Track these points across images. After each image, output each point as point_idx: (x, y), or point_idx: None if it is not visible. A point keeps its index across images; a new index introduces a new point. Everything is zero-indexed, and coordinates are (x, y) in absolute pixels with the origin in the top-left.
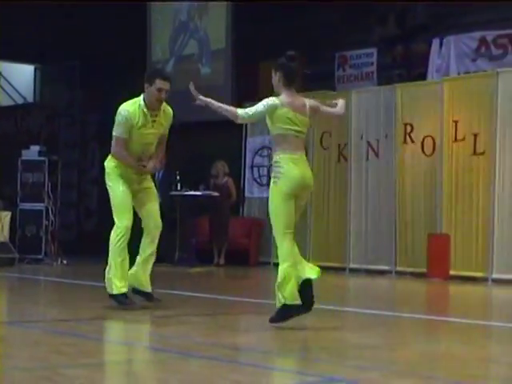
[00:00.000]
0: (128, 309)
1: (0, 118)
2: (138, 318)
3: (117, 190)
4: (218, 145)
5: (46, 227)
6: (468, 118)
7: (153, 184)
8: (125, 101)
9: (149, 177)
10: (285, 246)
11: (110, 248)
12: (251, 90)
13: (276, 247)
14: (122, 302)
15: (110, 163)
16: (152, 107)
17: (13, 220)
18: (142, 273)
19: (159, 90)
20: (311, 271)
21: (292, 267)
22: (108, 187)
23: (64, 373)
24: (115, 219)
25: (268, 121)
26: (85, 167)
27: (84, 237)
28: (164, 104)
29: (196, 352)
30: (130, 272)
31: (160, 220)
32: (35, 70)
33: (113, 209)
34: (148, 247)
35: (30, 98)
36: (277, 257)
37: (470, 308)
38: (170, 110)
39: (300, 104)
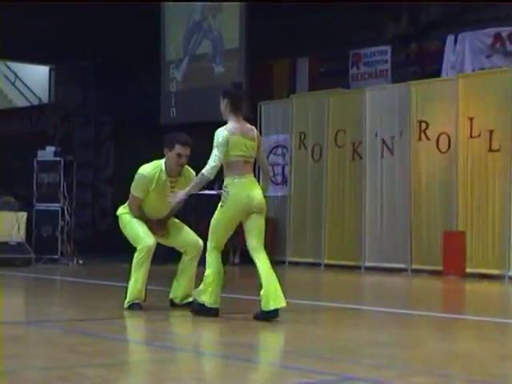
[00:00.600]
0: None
1: (15, 119)
2: (153, 318)
3: (131, 223)
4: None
5: (61, 227)
6: (483, 115)
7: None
8: (138, 99)
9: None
10: (213, 257)
11: (133, 265)
12: (265, 88)
13: (291, 245)
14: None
15: (123, 210)
16: (172, 173)
17: (29, 220)
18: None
19: (179, 155)
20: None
21: (217, 274)
22: (123, 229)
23: (80, 372)
24: (137, 246)
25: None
26: (99, 167)
27: (99, 236)
28: (185, 167)
29: (212, 351)
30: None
31: (201, 242)
32: (50, 70)
33: (131, 242)
34: (188, 269)
35: (45, 99)
36: (292, 255)
37: (487, 305)
38: (191, 172)
39: (248, 129)
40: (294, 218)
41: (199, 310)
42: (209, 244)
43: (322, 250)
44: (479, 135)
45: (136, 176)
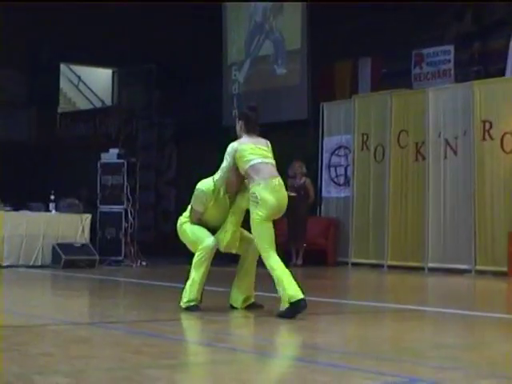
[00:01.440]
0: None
1: (79, 122)
2: (216, 319)
3: (192, 228)
4: (294, 145)
5: (125, 229)
6: None
7: None
8: (200, 102)
9: None
10: (272, 259)
11: (193, 265)
12: (327, 90)
13: (354, 246)
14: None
15: (183, 219)
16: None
17: (93, 222)
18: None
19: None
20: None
21: (282, 270)
22: (182, 236)
23: (145, 373)
24: (198, 243)
25: (237, 165)
26: (162, 169)
27: (162, 238)
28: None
29: (276, 352)
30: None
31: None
32: (113, 73)
33: (192, 246)
34: (247, 272)
35: (108, 102)
36: (355, 256)
37: None
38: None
39: (262, 142)
40: (356, 219)
41: (289, 313)
42: (261, 251)
43: (385, 251)
44: None
45: (195, 191)
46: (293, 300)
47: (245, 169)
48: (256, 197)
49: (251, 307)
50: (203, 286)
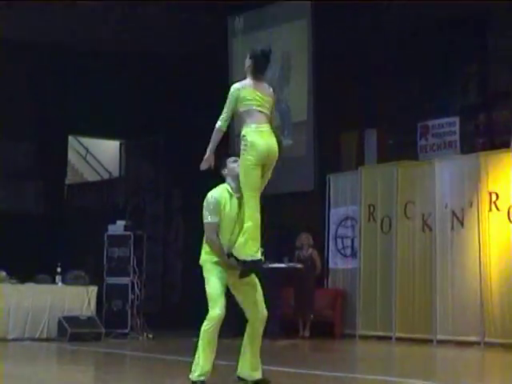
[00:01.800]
0: None
1: (86, 193)
2: None
3: (212, 279)
4: (301, 216)
5: (131, 301)
6: None
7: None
8: (207, 174)
9: None
10: (251, 208)
11: (200, 335)
12: (334, 161)
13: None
14: None
15: (203, 253)
16: (237, 187)
17: (99, 294)
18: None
19: (235, 161)
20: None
21: (255, 227)
22: (205, 278)
23: None
24: (209, 308)
25: (237, 107)
26: (169, 240)
27: (169, 310)
28: None
29: None
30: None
31: (266, 312)
32: (120, 145)
33: (208, 298)
34: (253, 343)
35: (116, 173)
36: (362, 328)
37: None
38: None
39: (264, 87)
40: (363, 291)
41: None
42: (245, 191)
43: (392, 323)
44: None
45: (206, 202)
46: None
47: (240, 111)
48: (246, 139)
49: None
50: (213, 358)
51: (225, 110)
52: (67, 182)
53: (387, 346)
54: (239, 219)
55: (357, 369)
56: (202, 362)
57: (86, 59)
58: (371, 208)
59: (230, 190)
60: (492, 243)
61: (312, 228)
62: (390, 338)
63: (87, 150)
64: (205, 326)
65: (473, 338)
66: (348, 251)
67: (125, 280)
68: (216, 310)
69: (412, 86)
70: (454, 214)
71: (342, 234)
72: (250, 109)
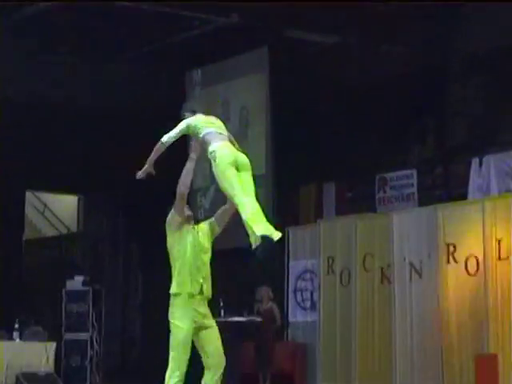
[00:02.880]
0: None
1: (44, 248)
2: None
3: (179, 330)
4: (261, 270)
5: (90, 357)
6: (511, 237)
7: (213, 321)
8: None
9: (209, 313)
10: (240, 196)
11: None
12: (292, 214)
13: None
14: None
15: (173, 290)
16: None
17: (58, 350)
18: None
19: (188, 217)
20: None
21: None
22: (171, 324)
23: None
24: (170, 361)
25: (194, 136)
26: (128, 296)
27: (128, 366)
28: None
29: None
30: None
31: (224, 359)
32: (78, 200)
33: (170, 349)
34: None
35: (74, 228)
36: (323, 381)
37: None
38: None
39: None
40: (324, 343)
41: None
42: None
43: (352, 374)
44: (507, 257)
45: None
46: None
47: (200, 138)
48: (215, 152)
49: None
50: None
51: (175, 130)
52: (25, 237)
53: None
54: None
55: None
56: None
57: (42, 113)
58: (330, 260)
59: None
60: (450, 294)
61: (272, 281)
62: None
63: (45, 205)
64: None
65: None
66: (308, 304)
67: (83, 336)
68: (182, 366)
69: (370, 138)
70: (412, 265)
71: (301, 287)
72: (210, 131)
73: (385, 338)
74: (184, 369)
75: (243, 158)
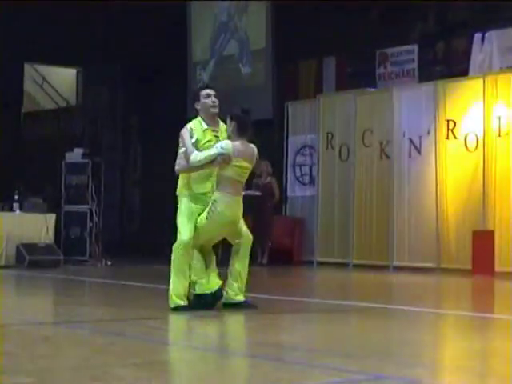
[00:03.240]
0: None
1: (43, 121)
2: (181, 318)
3: (184, 210)
4: (259, 144)
5: (90, 229)
6: (511, 113)
7: None
8: (165, 101)
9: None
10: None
11: (171, 263)
12: (292, 89)
13: (319, 245)
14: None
15: (181, 186)
16: (211, 121)
17: (57, 222)
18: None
19: (207, 95)
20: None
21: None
22: (178, 208)
23: (111, 372)
24: (178, 235)
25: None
26: (127, 169)
27: (127, 238)
28: (222, 124)
29: (239, 351)
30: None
31: (249, 232)
32: (77, 73)
33: (178, 225)
34: (238, 261)
35: (73, 101)
36: (320, 255)
37: None
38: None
39: (249, 153)
40: (321, 218)
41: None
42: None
43: (350, 250)
44: (508, 133)
45: (181, 134)
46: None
47: (222, 172)
48: (216, 205)
49: (244, 307)
50: (187, 283)
51: (205, 155)
52: (24, 110)
53: (345, 272)
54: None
55: (314, 294)
56: (176, 287)
57: None
58: (329, 136)
59: (202, 121)
60: (449, 171)
61: (271, 156)
62: (348, 264)
63: (43, 78)
64: (174, 252)
65: (429, 264)
66: (306, 179)
67: (83, 208)
68: (184, 236)
69: (371, 14)
70: (411, 141)
71: (300, 162)
72: (231, 177)
73: (382, 214)
74: (191, 232)
75: (235, 222)
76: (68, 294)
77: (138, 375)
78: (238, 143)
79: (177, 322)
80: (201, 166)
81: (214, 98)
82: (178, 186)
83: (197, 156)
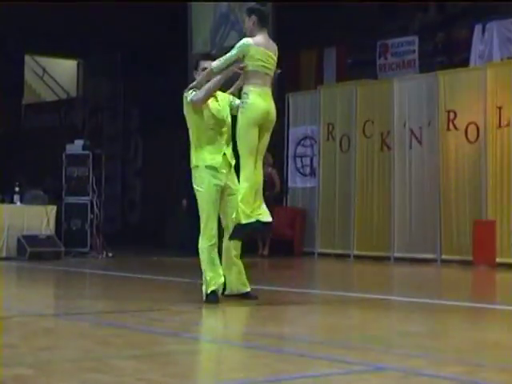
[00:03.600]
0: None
1: (44, 113)
2: (182, 309)
3: (201, 193)
4: None
5: (91, 220)
6: None
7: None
8: (166, 92)
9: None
10: (248, 169)
11: (200, 253)
12: (293, 78)
13: (320, 236)
14: (211, 301)
15: (197, 162)
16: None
17: (58, 214)
18: (232, 276)
19: (204, 69)
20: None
21: (250, 189)
22: (196, 191)
23: (112, 363)
24: (202, 225)
25: (243, 59)
26: (128, 159)
27: (128, 229)
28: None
29: (242, 342)
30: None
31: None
32: (78, 64)
33: (200, 212)
34: (232, 249)
35: (73, 93)
36: (321, 246)
37: None
38: (223, 94)
39: (272, 46)
40: (322, 209)
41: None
42: (241, 158)
43: (351, 241)
44: (508, 124)
45: (184, 101)
46: (244, 221)
47: (248, 69)
48: (248, 97)
49: (245, 297)
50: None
51: (226, 58)
52: (24, 102)
53: (345, 263)
54: (220, 128)
55: (315, 285)
56: (210, 276)
57: None
58: (330, 127)
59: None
60: (449, 161)
61: (271, 147)
62: (349, 255)
63: (44, 70)
64: (201, 245)
65: (430, 256)
66: (307, 170)
67: (84, 199)
68: (208, 230)
69: (372, 4)
70: (412, 132)
71: (301, 153)
72: (258, 70)
73: (383, 205)
74: (214, 225)
75: (272, 116)
76: (69, 285)
77: (139, 367)
78: (260, 37)
79: (177, 313)
80: (219, 80)
81: None
82: (193, 159)
83: (217, 61)
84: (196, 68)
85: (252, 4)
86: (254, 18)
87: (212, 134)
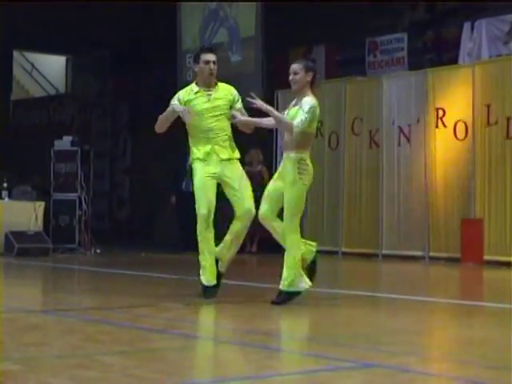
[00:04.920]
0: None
1: (32, 109)
2: (170, 306)
3: (197, 178)
4: (251, 132)
5: (79, 217)
6: (500, 102)
7: (240, 169)
8: (155, 89)
9: (236, 162)
10: (298, 236)
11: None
12: (282, 77)
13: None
14: (208, 295)
15: (194, 152)
16: (206, 85)
17: (46, 210)
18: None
19: (206, 62)
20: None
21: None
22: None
23: (99, 360)
24: (197, 208)
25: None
26: (117, 157)
27: (116, 226)
28: (221, 83)
29: (229, 338)
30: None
31: (253, 204)
32: (67, 60)
33: (195, 198)
34: (239, 232)
35: (62, 89)
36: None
37: (505, 293)
38: (228, 86)
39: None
40: (310, 206)
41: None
42: (292, 222)
43: (339, 238)
44: (496, 122)
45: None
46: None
47: (307, 132)
48: (306, 164)
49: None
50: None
51: (304, 119)
52: (13, 97)
53: (334, 260)
54: (209, 111)
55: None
56: (206, 264)
57: None
58: (318, 124)
59: (194, 86)
60: (438, 159)
61: (261, 144)
62: (337, 252)
63: (33, 66)
64: (198, 227)
65: (418, 253)
66: None
67: (72, 196)
68: (202, 209)
69: (361, 1)
70: (401, 130)
71: None
72: (312, 134)
73: (372, 202)
74: (204, 212)
75: None
76: (57, 282)
77: (127, 363)
78: (313, 96)
79: (165, 310)
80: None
81: (212, 66)
82: (191, 152)
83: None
84: (195, 61)
85: (308, 60)
86: (311, 75)
87: (200, 129)
